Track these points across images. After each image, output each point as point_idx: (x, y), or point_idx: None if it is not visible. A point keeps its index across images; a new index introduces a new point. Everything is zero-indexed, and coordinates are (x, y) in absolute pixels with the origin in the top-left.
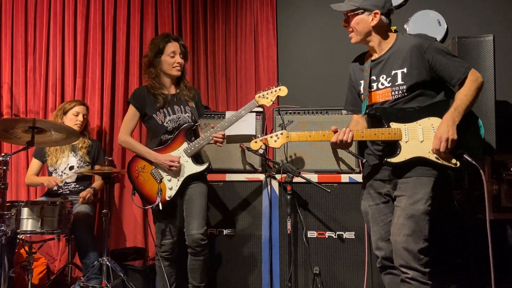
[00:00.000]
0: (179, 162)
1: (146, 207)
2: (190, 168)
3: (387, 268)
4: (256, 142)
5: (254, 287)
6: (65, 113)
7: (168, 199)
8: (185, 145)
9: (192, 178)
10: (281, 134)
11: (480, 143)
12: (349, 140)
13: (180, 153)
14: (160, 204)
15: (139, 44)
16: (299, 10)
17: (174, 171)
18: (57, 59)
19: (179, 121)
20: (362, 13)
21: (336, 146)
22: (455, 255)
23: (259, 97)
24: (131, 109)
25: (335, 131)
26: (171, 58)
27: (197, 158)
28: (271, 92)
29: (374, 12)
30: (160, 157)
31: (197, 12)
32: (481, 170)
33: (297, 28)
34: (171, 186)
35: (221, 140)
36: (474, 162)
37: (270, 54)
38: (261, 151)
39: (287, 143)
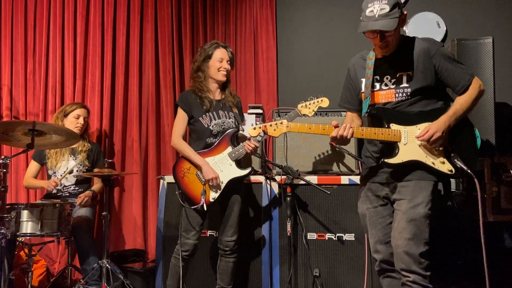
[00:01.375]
0: (217, 184)
1: (192, 207)
2: (234, 171)
3: (385, 271)
4: (255, 129)
5: None
6: (66, 115)
7: (212, 200)
8: (229, 149)
9: (234, 184)
10: (281, 123)
11: (476, 153)
12: (349, 136)
13: (225, 157)
14: (205, 205)
15: (139, 45)
16: (298, 12)
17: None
18: (56, 61)
19: (224, 125)
20: (399, 22)
21: (336, 141)
22: (454, 257)
23: (301, 106)
24: (180, 111)
25: (336, 126)
26: (219, 63)
27: (239, 162)
28: (314, 103)
29: (405, 14)
30: (207, 168)
31: (196, 14)
32: (475, 179)
33: (296, 30)
34: (215, 188)
35: (250, 149)
36: (468, 171)
37: (269, 55)
38: (259, 138)
39: (287, 144)
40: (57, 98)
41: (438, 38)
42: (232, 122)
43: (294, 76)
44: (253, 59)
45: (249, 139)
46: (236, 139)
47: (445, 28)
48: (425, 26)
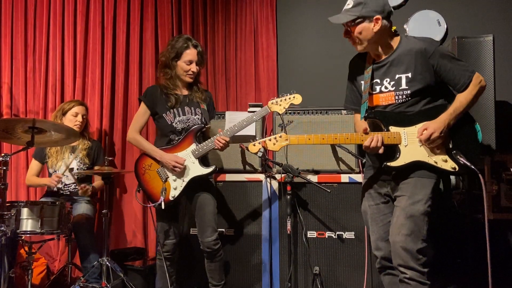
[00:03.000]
0: (183, 164)
1: (149, 205)
2: (197, 169)
3: (386, 269)
4: (254, 145)
5: (254, 287)
6: (64, 113)
7: (172, 199)
8: (193, 146)
9: (198, 182)
10: (280, 137)
11: (478, 148)
12: (379, 146)
13: (188, 154)
14: (162, 203)
15: (139, 44)
16: (299, 10)
17: (178, 172)
18: (56, 59)
19: (188, 122)
20: (362, 21)
21: (368, 149)
22: (454, 255)
23: (272, 103)
24: (142, 106)
25: (366, 132)
26: (187, 66)
27: (204, 160)
28: (285, 100)
29: (375, 18)
30: (166, 156)
31: (197, 12)
32: (480, 175)
33: (297, 28)
34: (176, 186)
35: (220, 145)
36: (472, 167)
37: (270, 54)
38: (259, 154)
39: None
40: (57, 96)
41: (439, 36)
42: (198, 118)
43: (294, 74)
44: (253, 57)
45: (220, 132)
46: (203, 136)
47: (445, 26)
48: (426, 24)
